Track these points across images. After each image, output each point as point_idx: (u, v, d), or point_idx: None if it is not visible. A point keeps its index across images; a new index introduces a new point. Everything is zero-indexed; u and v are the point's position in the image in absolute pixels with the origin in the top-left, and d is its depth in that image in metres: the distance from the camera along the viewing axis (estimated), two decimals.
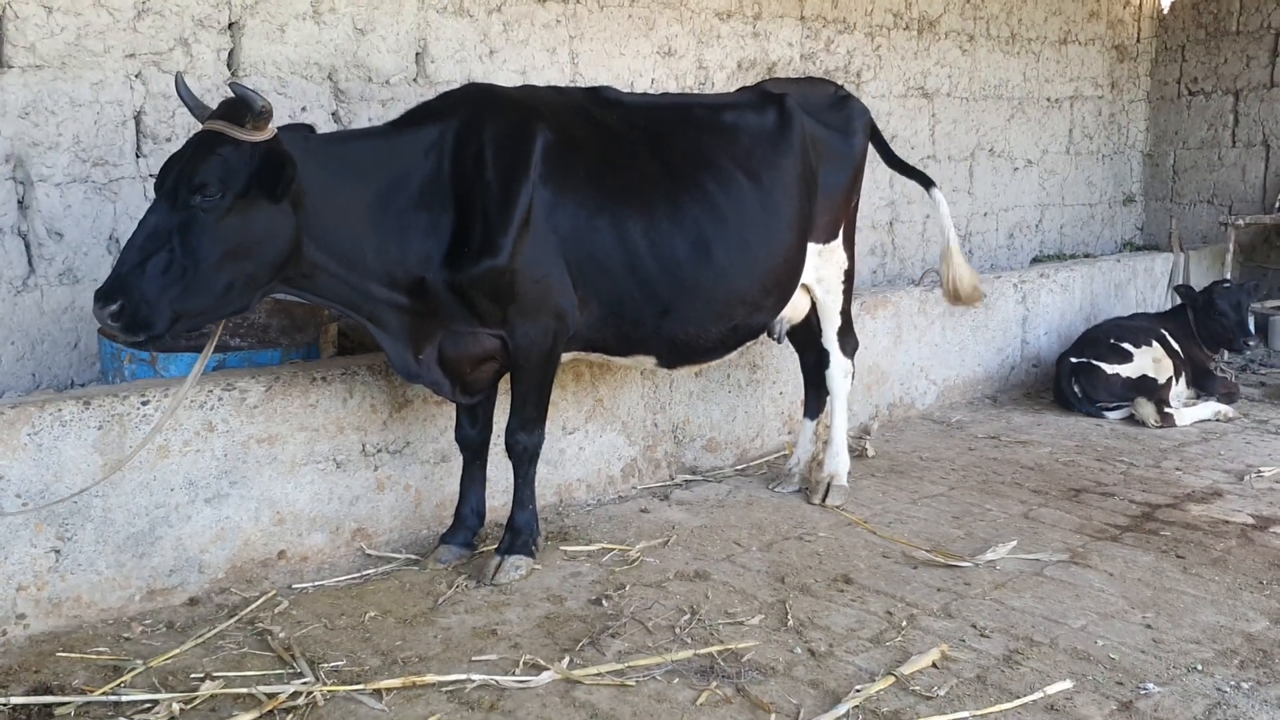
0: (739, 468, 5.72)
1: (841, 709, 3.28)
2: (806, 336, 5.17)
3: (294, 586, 4.19)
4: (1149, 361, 6.65)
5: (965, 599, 4.11)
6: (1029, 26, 8.99)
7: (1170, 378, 6.68)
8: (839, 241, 4.91)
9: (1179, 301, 7.39)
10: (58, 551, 3.77)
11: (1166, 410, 6.54)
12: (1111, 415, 6.69)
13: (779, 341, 5.08)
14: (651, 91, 6.57)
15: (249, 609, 3.97)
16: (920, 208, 8.36)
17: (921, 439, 6.33)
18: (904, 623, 3.89)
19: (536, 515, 4.36)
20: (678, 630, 3.80)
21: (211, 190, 3.44)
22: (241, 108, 3.47)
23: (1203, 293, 7.18)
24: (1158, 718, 3.28)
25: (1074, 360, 6.80)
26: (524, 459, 4.25)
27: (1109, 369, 6.64)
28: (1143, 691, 3.43)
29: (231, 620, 3.89)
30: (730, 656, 3.62)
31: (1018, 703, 3.35)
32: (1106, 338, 6.81)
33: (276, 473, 4.22)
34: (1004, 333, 7.32)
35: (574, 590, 4.15)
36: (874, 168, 7.80)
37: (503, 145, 3.96)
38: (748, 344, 4.73)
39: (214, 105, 3.73)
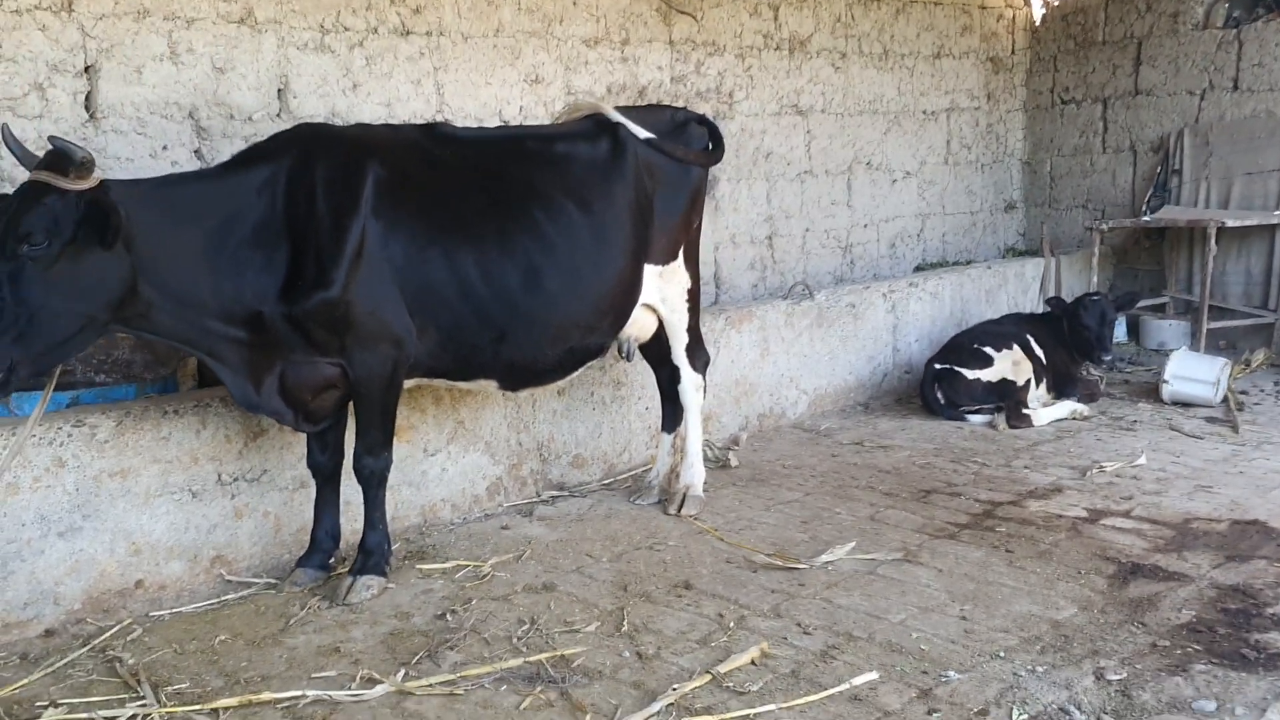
0: (606, 482, 5.92)
1: (655, 707, 3.47)
2: (659, 353, 5.38)
3: (151, 614, 4.31)
4: (1008, 365, 6.94)
5: (796, 599, 4.33)
6: (901, 43, 9.31)
7: (1029, 380, 6.98)
8: (679, 263, 5.12)
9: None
10: None
11: (1024, 411, 6.83)
12: (974, 419, 6.96)
13: (628, 359, 5.29)
14: (518, 119, 6.77)
15: (102, 638, 4.09)
16: (799, 222, 8.64)
17: (788, 447, 6.57)
18: (732, 624, 4.10)
19: (388, 536, 4.53)
20: (515, 640, 3.98)
21: (38, 239, 3.57)
22: (64, 159, 3.61)
23: (1072, 304, 7.46)
24: (952, 702, 3.51)
25: (937, 366, 7.08)
26: (372, 482, 4.42)
27: (969, 374, 6.92)
28: (943, 679, 3.66)
29: (84, 649, 4.01)
30: (560, 662, 3.80)
31: (824, 694, 3.56)
32: (970, 343, 7.10)
33: (130, 505, 4.35)
34: (875, 341, 7.60)
35: (422, 606, 4.32)
36: (752, 184, 8.10)
37: (333, 182, 4.13)
38: (589, 364, 4.93)
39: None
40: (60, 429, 4.17)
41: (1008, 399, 6.85)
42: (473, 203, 4.42)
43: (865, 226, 9.23)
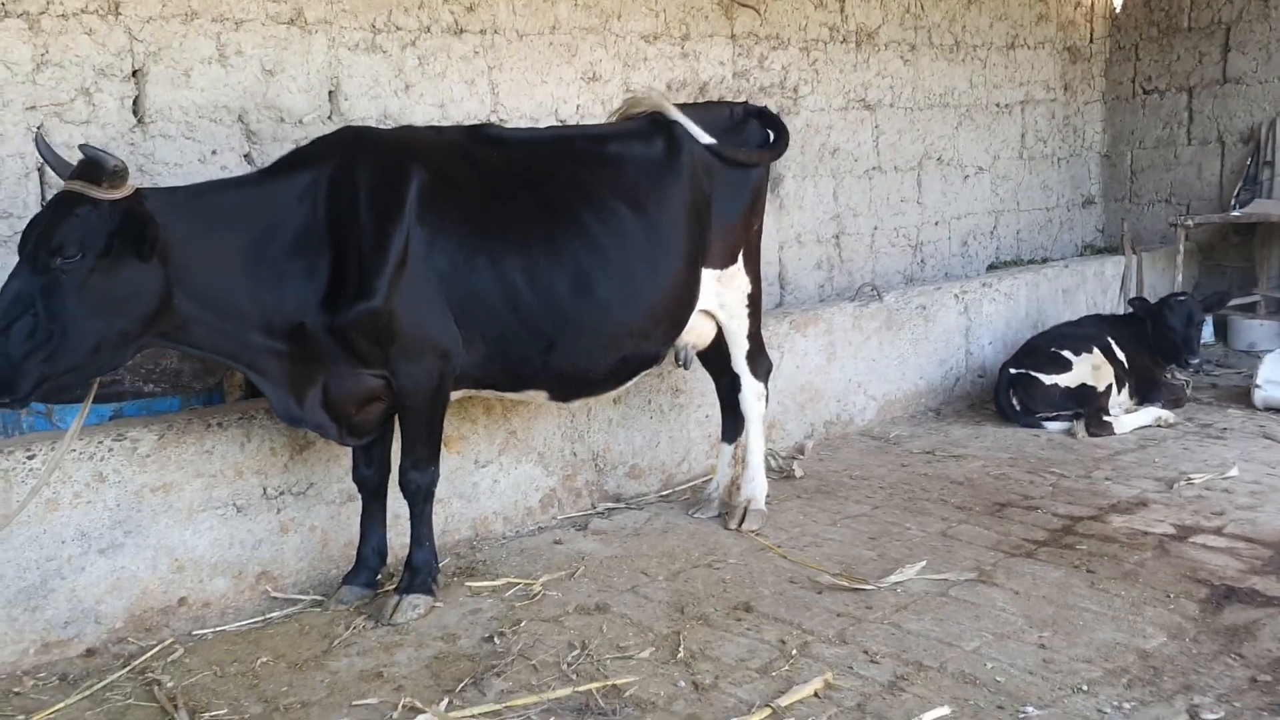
0: (664, 493, 5.71)
1: None
2: (718, 360, 5.15)
3: (194, 633, 4.19)
4: (1088, 369, 6.61)
5: (863, 624, 4.09)
6: (973, 33, 8.98)
7: (1110, 385, 6.64)
8: (739, 266, 4.89)
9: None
10: None
11: (1105, 418, 6.50)
12: (1052, 426, 6.64)
13: (685, 367, 5.07)
14: (575, 118, 6.59)
15: (143, 658, 3.96)
16: (867, 220, 8.36)
17: (856, 456, 6.30)
18: (795, 651, 3.87)
19: (435, 553, 4.37)
20: (564, 667, 3.79)
21: (71, 251, 3.45)
22: (96, 168, 3.49)
23: (1156, 305, 7.12)
24: None
25: (1012, 371, 6.77)
26: (418, 498, 4.26)
27: (1047, 379, 6.60)
28: (1021, 715, 3.41)
29: (124, 670, 3.89)
30: (611, 693, 3.60)
31: None
32: (1047, 346, 6.78)
33: (173, 520, 4.23)
34: (946, 344, 7.30)
35: (470, 628, 4.14)
36: (818, 181, 7.84)
37: (377, 188, 3.98)
38: (643, 373, 4.72)
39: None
40: (101, 443, 4.07)
41: (1087, 405, 6.52)
42: (520, 206, 4.24)
43: (936, 224, 8.92)
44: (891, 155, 8.50)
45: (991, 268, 9.18)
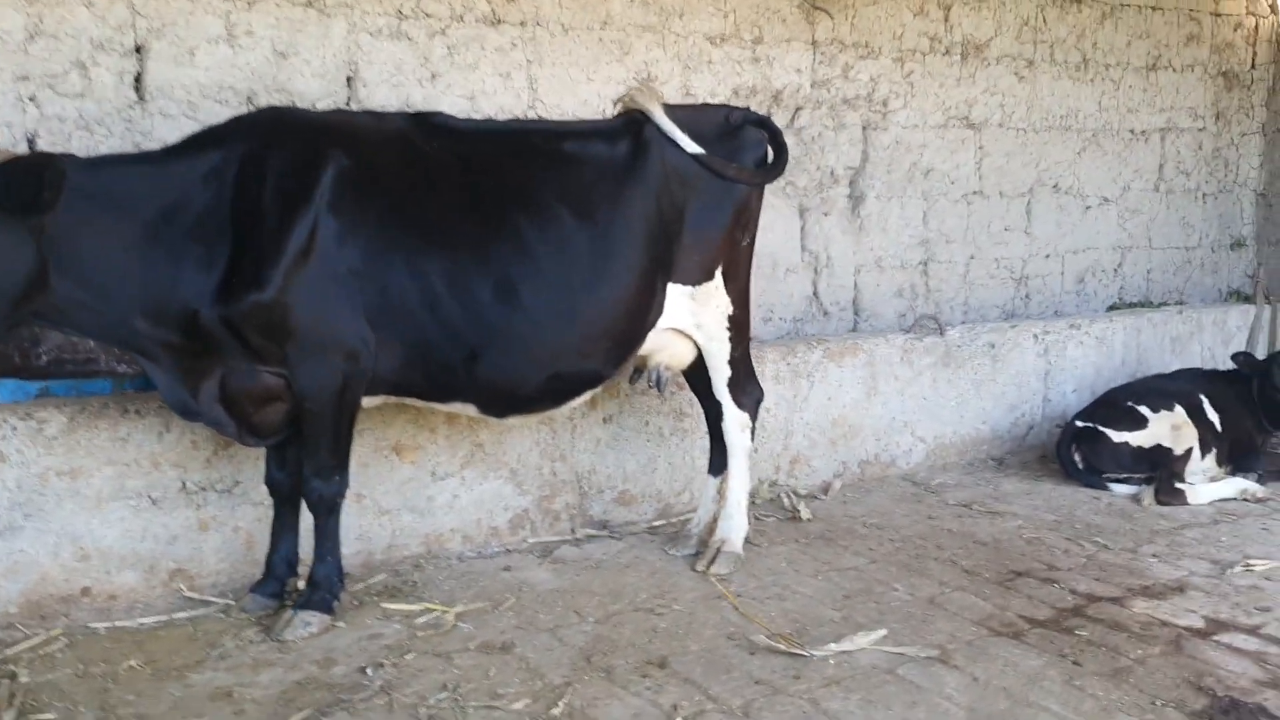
0: (657, 524, 5.28)
1: None
2: (702, 386, 4.72)
3: (90, 625, 4.04)
4: (1165, 429, 5.85)
5: (779, 696, 3.59)
6: (1106, 51, 8.18)
7: (1191, 449, 5.85)
8: (716, 284, 4.43)
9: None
10: None
11: (1178, 485, 5.72)
12: (1118, 489, 5.88)
13: (659, 390, 4.65)
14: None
15: (19, 647, 3.82)
16: (962, 248, 7.68)
17: (883, 503, 5.71)
18: None
19: (340, 568, 4.09)
20: (421, 710, 3.44)
21: None
22: None
23: (1264, 361, 6.33)
24: None
25: (1079, 424, 6.05)
26: (321, 509, 3.99)
27: (1116, 436, 5.86)
28: None
29: None
30: None
31: None
32: (1124, 399, 6.05)
33: (79, 507, 4.09)
34: (1019, 388, 6.61)
35: (355, 654, 3.83)
36: (905, 203, 7.26)
37: (285, 173, 3.73)
38: (586, 393, 4.32)
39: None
40: (5, 422, 3.95)
41: (1160, 469, 5.76)
42: (449, 203, 3.93)
43: (1047, 257, 8.15)
44: (996, 179, 7.80)
45: (1112, 308, 8.34)
